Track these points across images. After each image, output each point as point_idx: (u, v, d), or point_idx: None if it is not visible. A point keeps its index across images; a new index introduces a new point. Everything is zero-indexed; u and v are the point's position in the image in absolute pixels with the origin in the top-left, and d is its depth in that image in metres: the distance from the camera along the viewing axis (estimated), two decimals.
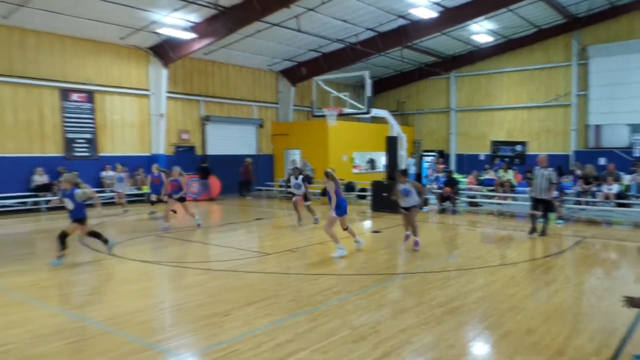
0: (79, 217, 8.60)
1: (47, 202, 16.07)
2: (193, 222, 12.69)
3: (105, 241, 9.06)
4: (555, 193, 13.73)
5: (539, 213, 11.14)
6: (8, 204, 15.50)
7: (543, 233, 11.11)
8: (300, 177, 13.04)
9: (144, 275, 8.07)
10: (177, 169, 12.77)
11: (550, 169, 11.25)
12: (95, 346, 4.91)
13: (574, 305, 6.33)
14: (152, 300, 6.68)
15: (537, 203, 11.19)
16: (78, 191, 8.49)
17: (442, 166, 20.17)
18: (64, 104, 17.05)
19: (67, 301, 6.67)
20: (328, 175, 9.34)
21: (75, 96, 17.33)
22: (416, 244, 9.64)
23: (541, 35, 22.89)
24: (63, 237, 8.46)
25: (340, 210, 9.22)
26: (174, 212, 13.19)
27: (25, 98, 16.15)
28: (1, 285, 7.14)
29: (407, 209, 9.72)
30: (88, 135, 17.73)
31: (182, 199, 12.54)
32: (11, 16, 14.87)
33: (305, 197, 13.17)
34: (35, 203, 15.99)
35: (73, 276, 8.13)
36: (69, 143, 17.24)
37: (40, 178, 16.11)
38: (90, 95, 17.73)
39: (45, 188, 16.13)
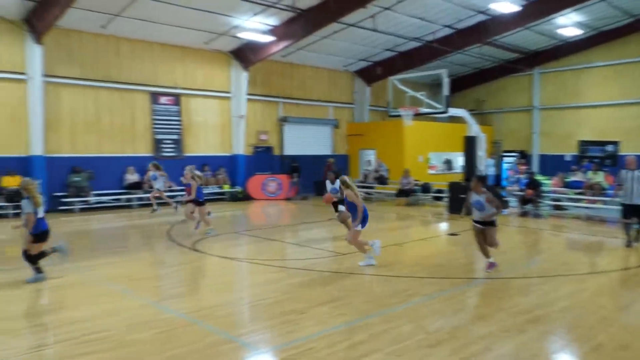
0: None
1: (139, 199, 17.22)
2: (201, 228, 11.77)
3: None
4: None
5: (633, 221, 9.91)
6: (104, 200, 16.79)
7: (638, 239, 10.10)
8: (337, 181, 10.80)
9: (224, 271, 8.45)
10: (189, 172, 11.93)
11: None
12: (181, 337, 5.21)
13: None
14: (233, 295, 6.98)
15: (629, 209, 9.99)
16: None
17: (524, 167, 19.20)
18: (153, 107, 18.19)
19: (156, 293, 7.12)
20: (344, 182, 8.24)
21: (163, 99, 18.42)
22: (490, 265, 7.96)
23: (637, 26, 21.07)
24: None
25: (365, 222, 8.27)
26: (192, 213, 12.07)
27: (120, 102, 17.41)
28: (98, 276, 7.76)
29: (482, 223, 7.94)
30: (175, 136, 18.78)
31: (198, 203, 11.52)
32: (108, 26, 16.09)
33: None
34: (128, 200, 17.19)
35: (161, 270, 8.67)
36: (157, 144, 18.36)
37: (131, 177, 17.29)
38: (177, 98, 18.77)
39: (136, 186, 17.28)
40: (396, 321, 5.63)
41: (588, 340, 5.08)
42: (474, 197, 7.94)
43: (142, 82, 17.86)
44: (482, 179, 8.86)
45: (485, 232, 7.91)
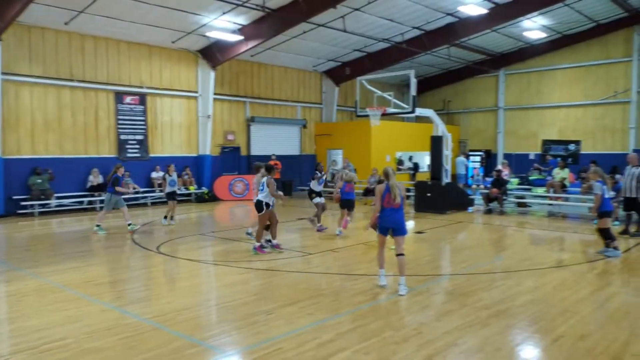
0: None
1: (102, 201, 16.79)
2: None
3: None
4: (611, 193, 13.14)
5: (633, 213, 11.17)
6: (66, 203, 16.29)
7: (637, 232, 11.08)
8: (322, 177, 12.55)
9: (190, 274, 8.30)
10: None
11: None
12: (146, 342, 5.08)
13: (632, 309, 6.01)
14: (199, 298, 6.86)
15: (627, 202, 11.18)
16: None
17: (506, 169, 18.48)
18: (118, 106, 17.76)
19: (119, 298, 6.93)
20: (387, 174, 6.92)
21: (128, 99, 18.01)
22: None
23: (599, 31, 21.84)
24: None
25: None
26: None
27: (83, 101, 16.91)
28: (59, 282, 7.50)
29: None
30: (140, 137, 18.39)
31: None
32: (72, 22, 15.61)
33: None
34: (91, 202, 16.73)
35: (125, 274, 8.46)
36: (122, 144, 17.93)
37: (95, 178, 16.83)
38: (142, 98, 18.38)
39: (99, 188, 16.83)
40: (364, 319, 5.64)
41: (550, 332, 5.20)
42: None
43: (107, 81, 17.42)
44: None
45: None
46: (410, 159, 24.29)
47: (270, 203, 9.27)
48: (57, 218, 15.05)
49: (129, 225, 12.14)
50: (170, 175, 13.41)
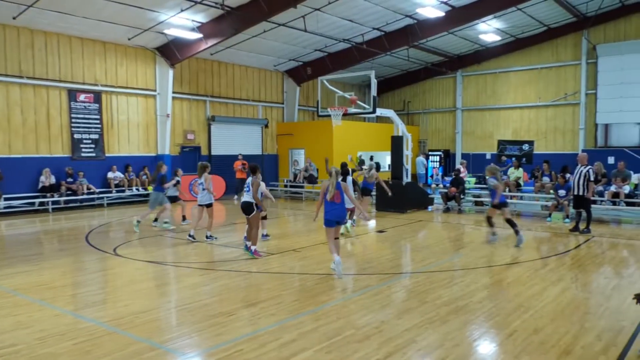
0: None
1: (54, 202, 16.19)
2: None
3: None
4: (562, 192, 13.70)
5: (582, 210, 11.62)
6: (16, 204, 15.61)
7: (586, 229, 11.47)
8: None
9: (148, 276, 8.10)
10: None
11: (589, 166, 11.40)
12: (102, 346, 4.93)
13: (581, 304, 6.28)
14: (158, 301, 6.70)
15: (575, 200, 11.65)
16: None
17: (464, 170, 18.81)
18: (71, 104, 17.15)
19: (74, 302, 6.69)
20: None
21: (82, 97, 17.42)
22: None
23: (550, 34, 22.75)
24: None
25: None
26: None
27: (33, 99, 16.25)
28: (8, 286, 7.19)
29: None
30: (95, 136, 17.83)
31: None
32: (20, 17, 14.94)
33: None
34: (42, 204, 16.09)
35: (79, 277, 8.18)
36: (76, 144, 17.33)
37: (47, 179, 16.20)
38: (97, 96, 17.82)
39: (52, 189, 16.23)
40: (325, 318, 5.66)
41: (505, 327, 5.36)
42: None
43: (59, 78, 16.79)
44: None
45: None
46: (371, 158, 24.55)
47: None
48: (6, 220, 14.40)
49: (165, 223, 12.36)
50: (178, 177, 13.33)
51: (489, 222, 10.61)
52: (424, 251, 9.85)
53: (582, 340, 4.99)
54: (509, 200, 15.79)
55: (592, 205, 12.14)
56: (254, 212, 9.05)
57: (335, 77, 19.01)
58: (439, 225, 13.47)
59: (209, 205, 10.74)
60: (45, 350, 4.84)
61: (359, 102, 16.02)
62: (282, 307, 6.09)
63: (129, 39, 17.85)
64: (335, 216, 7.64)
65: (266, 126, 23.92)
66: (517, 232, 9.98)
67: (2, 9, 14.33)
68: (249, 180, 9.14)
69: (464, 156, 26.32)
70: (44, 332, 5.31)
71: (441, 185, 18.80)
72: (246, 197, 9.11)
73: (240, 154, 20.56)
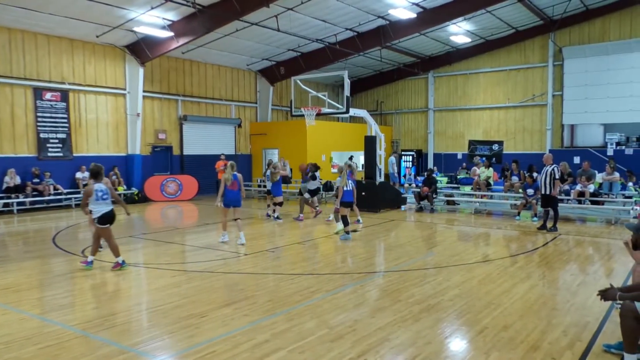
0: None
1: (19, 203, 15.72)
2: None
3: None
4: (530, 191, 14.04)
5: (550, 209, 11.87)
6: None
7: (553, 227, 11.73)
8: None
9: (119, 278, 7.93)
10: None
11: (554, 165, 11.68)
12: (70, 350, 4.81)
13: (549, 300, 6.44)
14: (128, 303, 6.58)
15: (543, 199, 11.89)
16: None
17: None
18: (37, 103, 16.67)
19: (40, 305, 6.51)
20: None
21: (48, 95, 16.96)
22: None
23: (518, 37, 23.27)
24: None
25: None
26: None
27: None
28: None
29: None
30: (62, 135, 17.38)
31: None
32: None
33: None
34: (7, 205, 15.60)
35: (46, 279, 7.95)
36: (42, 143, 16.86)
37: (12, 179, 15.71)
38: (64, 94, 17.37)
39: (17, 189, 15.74)
40: (299, 318, 5.65)
41: (475, 324, 5.46)
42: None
43: (24, 75, 16.30)
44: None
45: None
46: (350, 158, 24.58)
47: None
48: None
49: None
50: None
51: (344, 221, 10.90)
52: (397, 250, 9.95)
53: (549, 335, 5.11)
54: (479, 200, 16.17)
55: (559, 204, 12.47)
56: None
57: (309, 77, 19.02)
58: (411, 224, 13.62)
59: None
60: (10, 355, 4.69)
61: (331, 101, 16.08)
62: (255, 308, 6.05)
63: (97, 37, 17.46)
64: (231, 201, 10.10)
65: (239, 126, 23.76)
66: (348, 231, 10.74)
67: None
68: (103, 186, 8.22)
69: (435, 156, 26.72)
70: (9, 336, 5.16)
71: (414, 185, 19.00)
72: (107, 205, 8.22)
73: (222, 154, 20.34)
